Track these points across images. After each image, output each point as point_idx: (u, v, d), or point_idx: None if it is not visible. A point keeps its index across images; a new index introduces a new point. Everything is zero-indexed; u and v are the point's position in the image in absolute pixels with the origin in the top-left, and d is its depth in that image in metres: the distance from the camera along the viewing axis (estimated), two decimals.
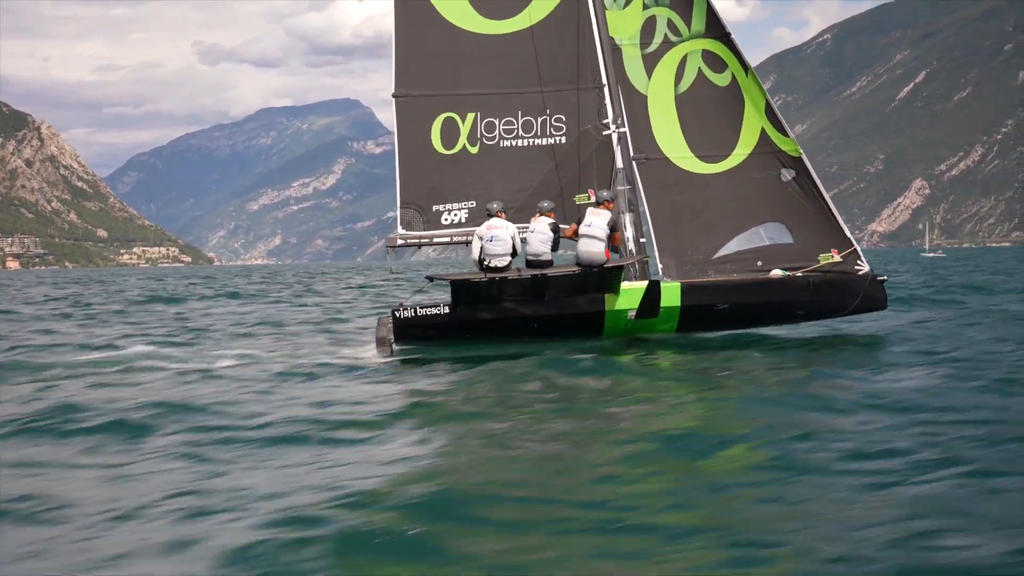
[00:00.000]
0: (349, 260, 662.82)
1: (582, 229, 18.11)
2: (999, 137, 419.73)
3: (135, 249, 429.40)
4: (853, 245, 19.99)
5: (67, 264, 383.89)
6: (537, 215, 18.65)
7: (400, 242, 20.00)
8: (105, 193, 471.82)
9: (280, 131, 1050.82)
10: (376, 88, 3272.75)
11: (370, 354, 18.85)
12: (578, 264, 18.28)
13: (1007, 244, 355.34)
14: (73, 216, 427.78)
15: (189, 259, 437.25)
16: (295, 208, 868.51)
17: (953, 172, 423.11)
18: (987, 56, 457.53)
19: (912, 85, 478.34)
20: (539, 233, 18.27)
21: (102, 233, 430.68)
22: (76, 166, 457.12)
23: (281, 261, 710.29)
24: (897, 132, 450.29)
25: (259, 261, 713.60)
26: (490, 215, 18.89)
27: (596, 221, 18.08)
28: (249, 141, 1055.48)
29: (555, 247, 18.40)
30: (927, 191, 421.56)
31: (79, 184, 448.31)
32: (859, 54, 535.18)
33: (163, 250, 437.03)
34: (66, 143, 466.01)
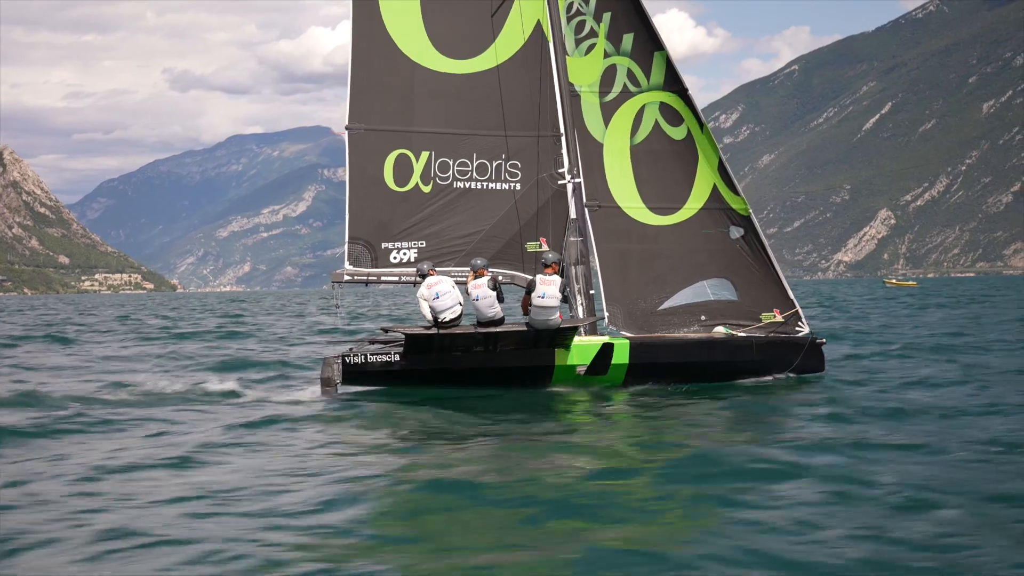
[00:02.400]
0: (317, 287, 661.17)
1: (536, 301, 18.21)
2: (963, 168, 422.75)
3: (97, 276, 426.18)
4: (795, 306, 20.22)
5: (26, 291, 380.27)
6: (471, 275, 18.59)
7: (347, 278, 19.84)
8: (68, 219, 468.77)
9: (251, 158, 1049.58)
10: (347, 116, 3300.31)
11: (310, 395, 18.95)
12: (530, 328, 18.42)
13: (971, 275, 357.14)
14: (35, 242, 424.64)
15: (152, 286, 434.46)
16: (265, 235, 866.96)
17: (918, 203, 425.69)
18: (952, 88, 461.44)
19: (878, 116, 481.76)
20: (484, 299, 18.33)
21: (64, 260, 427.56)
22: (39, 192, 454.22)
23: (250, 288, 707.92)
24: (863, 162, 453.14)
25: (228, 288, 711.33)
26: (423, 276, 18.74)
27: (549, 291, 18.13)
28: (219, 168, 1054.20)
29: (500, 299, 18.47)
30: (892, 221, 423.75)
31: (41, 210, 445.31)
32: (826, 85, 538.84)
33: (126, 277, 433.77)
34: (30, 169, 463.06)
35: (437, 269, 19.17)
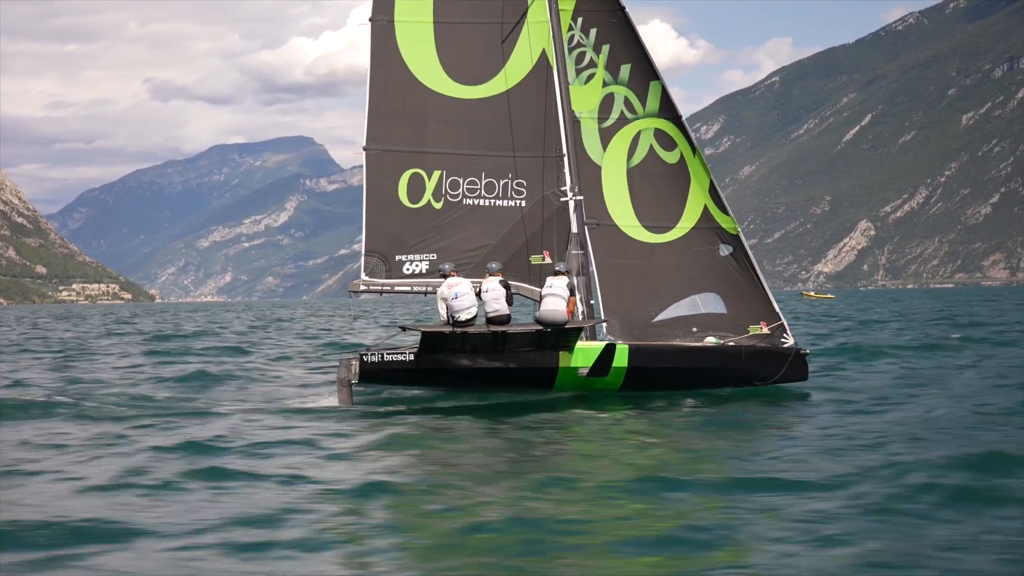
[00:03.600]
0: (296, 298, 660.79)
1: (544, 290, 19.63)
2: (943, 180, 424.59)
3: (74, 286, 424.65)
4: (781, 319, 21.42)
5: (2, 301, 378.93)
6: (487, 275, 19.87)
7: (363, 288, 21.27)
8: (46, 229, 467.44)
9: (232, 168, 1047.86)
10: (330, 126, 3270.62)
11: (327, 402, 20.23)
12: (539, 322, 19.54)
13: (950, 285, 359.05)
14: (12, 252, 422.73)
15: (130, 296, 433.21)
16: (246, 245, 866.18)
17: (898, 214, 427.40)
18: (931, 101, 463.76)
19: (858, 128, 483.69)
20: (492, 291, 19.57)
21: (41, 270, 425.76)
22: (17, 202, 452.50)
23: (231, 298, 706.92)
24: (843, 174, 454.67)
25: (209, 298, 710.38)
26: (444, 275, 19.97)
27: (557, 283, 19.52)
28: (201, 178, 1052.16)
29: (509, 301, 19.70)
30: (872, 232, 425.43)
31: (19, 220, 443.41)
32: (806, 97, 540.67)
33: (103, 287, 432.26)
34: (7, 179, 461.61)
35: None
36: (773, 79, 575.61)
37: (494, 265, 20.06)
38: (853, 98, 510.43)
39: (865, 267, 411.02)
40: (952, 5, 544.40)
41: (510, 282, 20.39)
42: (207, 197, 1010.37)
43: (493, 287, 19.60)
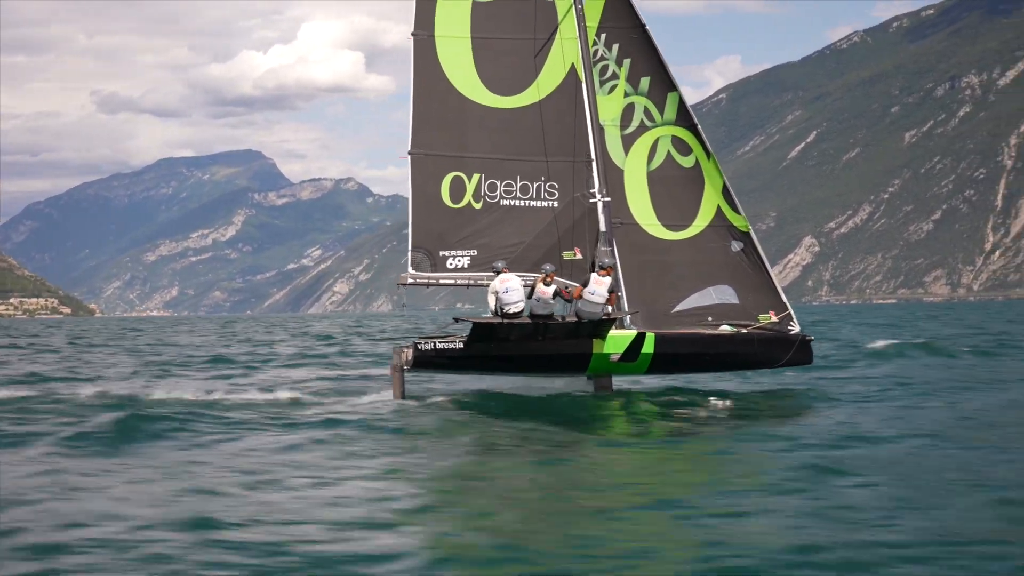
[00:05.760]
0: (240, 312, 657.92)
1: (586, 295, 21.36)
2: (886, 196, 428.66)
3: (11, 300, 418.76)
4: (788, 309, 23.48)
5: None
6: (541, 277, 21.69)
7: (410, 281, 23.20)
8: None
9: (180, 181, 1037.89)
10: (279, 140, 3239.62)
11: (381, 397, 22.66)
12: (578, 315, 21.57)
13: (892, 301, 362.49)
14: None
15: (69, 310, 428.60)
16: (193, 259, 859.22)
17: (842, 230, 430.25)
18: (875, 118, 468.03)
19: (803, 145, 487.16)
20: (542, 299, 21.52)
21: None
22: None
23: (177, 313, 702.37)
24: (788, 190, 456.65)
25: (155, 313, 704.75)
26: (497, 272, 21.89)
27: (599, 290, 21.33)
28: (148, 191, 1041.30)
29: (554, 298, 21.67)
30: (817, 248, 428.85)
31: None
32: (753, 114, 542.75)
33: (42, 301, 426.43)
34: None
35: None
36: (720, 96, 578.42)
37: (548, 267, 21.83)
38: (798, 115, 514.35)
39: (810, 283, 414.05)
40: (895, 24, 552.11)
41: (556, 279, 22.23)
42: (154, 211, 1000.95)
43: (547, 295, 21.48)
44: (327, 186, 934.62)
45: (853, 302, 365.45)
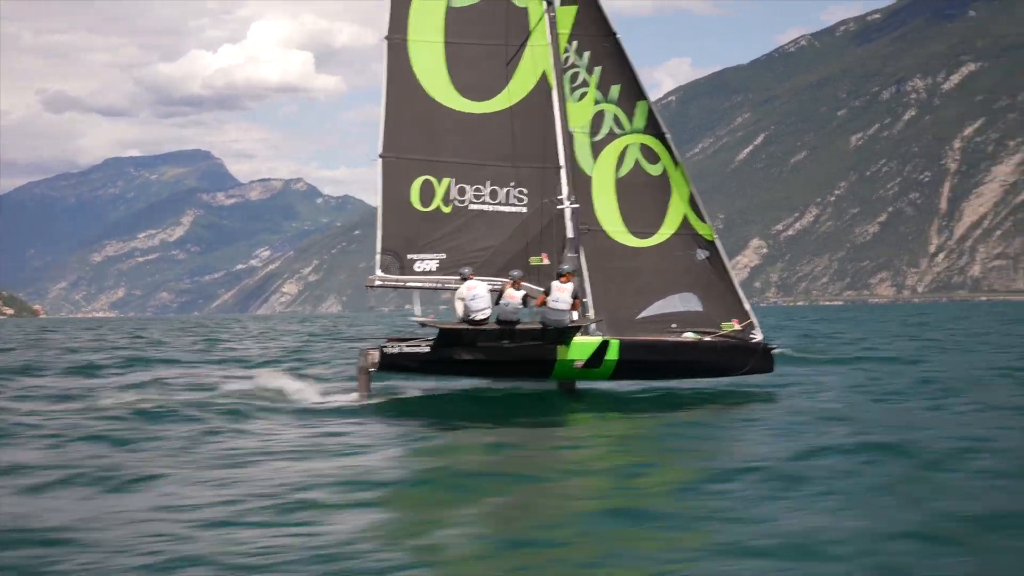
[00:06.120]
0: (188, 313, 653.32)
1: (550, 302, 21.52)
2: (832, 199, 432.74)
3: None
4: (751, 317, 23.64)
5: None
6: (509, 283, 21.82)
7: (377, 283, 23.03)
8: None
9: (128, 181, 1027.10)
10: (228, 140, 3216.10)
11: (349, 397, 22.39)
12: (543, 323, 21.67)
13: (839, 303, 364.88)
14: None
15: (12, 311, 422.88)
16: (140, 260, 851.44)
17: (789, 232, 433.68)
18: (822, 121, 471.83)
19: (752, 147, 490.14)
20: (511, 304, 21.67)
21: None
22: None
23: (124, 314, 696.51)
24: (737, 192, 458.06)
25: (101, 314, 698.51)
26: (464, 278, 22.12)
27: (562, 297, 21.48)
28: (95, 191, 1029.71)
29: (524, 305, 21.78)
30: (765, 250, 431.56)
31: None
32: (702, 116, 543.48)
33: None
34: None
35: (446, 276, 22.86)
36: (670, 98, 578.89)
37: (516, 273, 21.99)
38: (747, 118, 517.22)
39: (757, 284, 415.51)
40: (842, 28, 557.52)
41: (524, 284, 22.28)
42: (101, 211, 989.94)
43: (515, 302, 21.62)
44: (276, 186, 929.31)
45: (800, 304, 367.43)
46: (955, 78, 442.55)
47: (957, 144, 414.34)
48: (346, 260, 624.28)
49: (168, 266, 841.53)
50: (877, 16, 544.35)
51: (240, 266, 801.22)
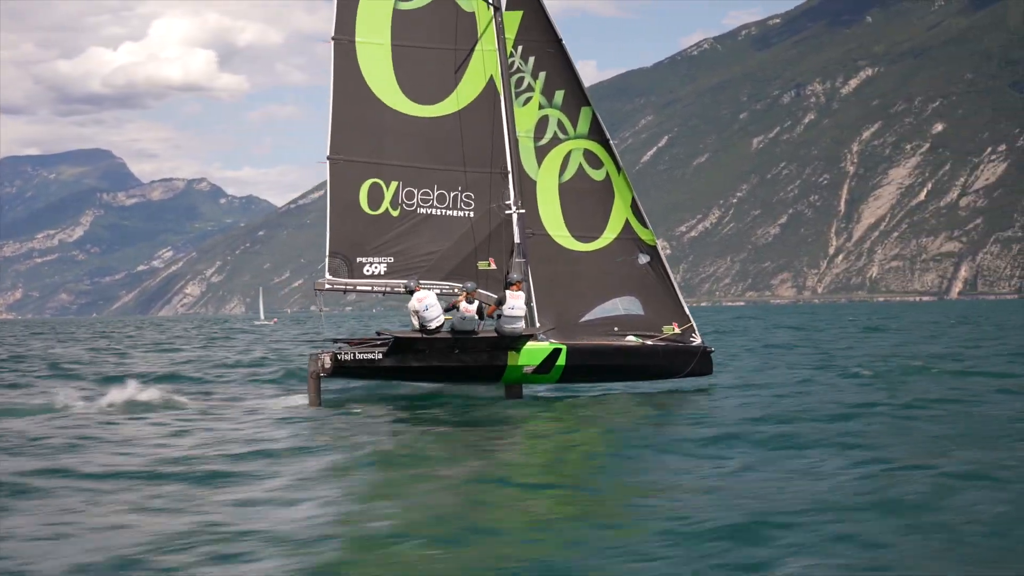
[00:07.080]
0: (86, 315, 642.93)
1: (505, 311, 21.73)
2: (735, 201, 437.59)
3: None
4: (690, 321, 24.07)
5: None
6: (463, 295, 21.87)
7: (327, 287, 23.04)
8: None
9: (25, 180, 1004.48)
10: (129, 139, 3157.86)
11: (298, 401, 22.67)
12: (499, 332, 22.02)
13: (741, 303, 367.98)
14: None
15: None
16: (39, 260, 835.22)
17: (692, 233, 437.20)
18: (724, 124, 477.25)
19: (655, 149, 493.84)
20: (467, 318, 21.82)
21: None
22: None
23: (21, 316, 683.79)
24: (641, 194, 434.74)
25: None
26: (411, 291, 22.16)
27: (517, 304, 21.75)
28: None
29: (480, 315, 21.98)
30: (668, 251, 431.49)
31: None
32: (606, 118, 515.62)
33: None
34: None
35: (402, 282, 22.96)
36: None
37: (470, 285, 22.08)
38: (650, 120, 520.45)
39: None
40: (744, 32, 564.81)
41: (455, 284, 22.89)
42: None
43: (470, 314, 21.77)
44: (179, 186, 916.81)
45: (704, 304, 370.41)
46: (853, 83, 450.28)
47: (855, 147, 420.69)
48: (250, 261, 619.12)
49: (67, 267, 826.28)
50: (777, 21, 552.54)
51: (142, 267, 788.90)
